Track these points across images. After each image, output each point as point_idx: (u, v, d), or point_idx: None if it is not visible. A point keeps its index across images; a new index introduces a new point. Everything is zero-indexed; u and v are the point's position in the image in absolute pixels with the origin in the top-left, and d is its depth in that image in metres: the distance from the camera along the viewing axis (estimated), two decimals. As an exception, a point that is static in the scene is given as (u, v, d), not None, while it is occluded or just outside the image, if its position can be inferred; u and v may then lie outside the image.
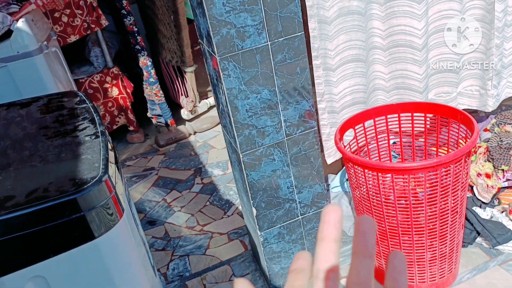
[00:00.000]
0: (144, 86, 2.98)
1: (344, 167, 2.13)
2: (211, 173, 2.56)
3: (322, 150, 1.92)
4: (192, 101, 3.18)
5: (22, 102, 0.99)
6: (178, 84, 3.20)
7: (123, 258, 0.70)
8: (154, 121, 3.13)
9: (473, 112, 2.28)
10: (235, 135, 1.39)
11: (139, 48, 2.81)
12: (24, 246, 0.59)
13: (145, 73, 2.89)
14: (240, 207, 2.21)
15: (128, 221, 0.73)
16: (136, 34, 2.77)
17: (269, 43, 1.29)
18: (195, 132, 3.11)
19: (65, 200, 0.61)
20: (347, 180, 2.03)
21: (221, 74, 1.29)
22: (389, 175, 1.28)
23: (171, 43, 3.11)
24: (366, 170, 1.33)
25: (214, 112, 3.30)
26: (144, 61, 2.84)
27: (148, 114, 3.14)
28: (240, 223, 2.10)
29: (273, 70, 1.33)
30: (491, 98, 1.96)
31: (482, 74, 1.94)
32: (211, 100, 3.38)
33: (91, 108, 0.91)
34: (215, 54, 1.28)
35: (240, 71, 1.30)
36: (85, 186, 0.62)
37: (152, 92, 2.96)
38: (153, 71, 2.89)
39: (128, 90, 2.92)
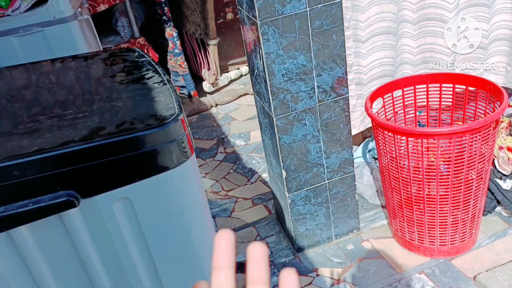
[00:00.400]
0: (169, 57, 3.04)
1: (366, 140, 2.20)
2: (234, 143, 2.64)
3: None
4: (214, 74, 3.24)
5: (85, 56, 1.06)
6: (200, 56, 3.25)
7: (192, 191, 0.78)
8: (176, 92, 3.20)
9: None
10: (270, 99, 1.45)
11: (166, 19, 2.86)
12: (114, 170, 0.67)
13: (170, 44, 2.94)
14: (263, 175, 2.29)
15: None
16: (163, 5, 2.82)
17: (308, 9, 1.34)
18: (216, 105, 3.18)
19: (150, 132, 0.68)
20: (369, 151, 2.09)
21: (261, 38, 1.35)
22: (419, 140, 1.35)
23: (195, 15, 3.15)
24: (396, 136, 1.39)
25: (234, 85, 3.35)
26: (170, 32, 2.89)
27: (171, 86, 3.21)
28: (264, 190, 2.18)
29: (310, 36, 1.38)
30: (516, 75, 1.99)
31: (509, 51, 1.97)
32: (232, 74, 3.43)
33: (151, 61, 0.98)
34: (256, 19, 1.34)
35: (279, 36, 1.36)
36: (166, 121, 0.70)
37: (177, 63, 3.02)
38: (178, 42, 2.95)
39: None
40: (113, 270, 0.76)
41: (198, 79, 3.32)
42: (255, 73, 1.54)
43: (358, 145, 2.20)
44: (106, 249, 0.72)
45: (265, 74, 1.42)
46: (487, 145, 1.37)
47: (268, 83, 1.42)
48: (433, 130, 1.32)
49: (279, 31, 1.35)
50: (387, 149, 1.47)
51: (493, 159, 1.85)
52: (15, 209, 0.63)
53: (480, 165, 1.40)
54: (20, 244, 0.68)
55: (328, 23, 1.38)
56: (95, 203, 0.67)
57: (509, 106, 2.05)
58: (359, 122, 2.01)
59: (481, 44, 1.97)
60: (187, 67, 3.07)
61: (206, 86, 3.24)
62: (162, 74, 0.89)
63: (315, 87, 1.47)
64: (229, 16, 3.71)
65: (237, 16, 3.73)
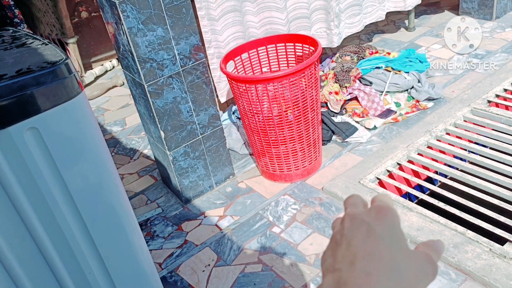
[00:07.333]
0: (27, 58, 3.00)
1: (230, 104, 2.54)
2: (111, 130, 2.77)
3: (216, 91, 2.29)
4: (78, 71, 3.28)
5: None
6: (61, 55, 3.26)
7: (87, 120, 0.99)
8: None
9: (324, 53, 2.86)
10: (139, 68, 1.68)
11: (18, 21, 2.82)
12: (21, 104, 0.86)
13: (26, 45, 2.92)
14: (144, 151, 2.48)
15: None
16: (13, 7, 2.79)
17: (158, -12, 1.59)
18: (86, 100, 3.23)
19: (44, 72, 0.88)
20: (233, 113, 2.43)
21: (121, 15, 1.56)
22: (262, 85, 1.70)
23: (48, 17, 3.15)
24: (246, 85, 1.73)
25: (101, 80, 3.43)
26: (25, 32, 2.87)
27: (34, 88, 3.16)
28: (147, 163, 2.38)
29: (163, 10, 1.64)
30: (335, 36, 2.52)
31: (326, 18, 2.48)
32: (96, 70, 3.50)
33: (28, 33, 1.15)
34: (114, -1, 1.54)
35: (137, 12, 1.59)
36: (57, 64, 0.90)
37: (37, 63, 3.00)
38: (35, 42, 2.93)
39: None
40: (34, 200, 0.93)
41: (62, 79, 3.32)
42: (121, 49, 1.74)
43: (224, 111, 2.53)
44: (25, 180, 0.90)
45: (130, 47, 1.63)
46: (313, 78, 1.79)
47: (134, 54, 1.64)
48: (271, 75, 1.69)
49: (136, 8, 1.58)
50: (240, 96, 1.81)
51: (326, 103, 2.34)
52: None
53: (311, 95, 1.82)
54: None
55: (177, -1, 1.65)
56: (8, 133, 0.85)
57: (332, 61, 2.58)
58: (226, 91, 2.34)
59: (304, 14, 2.44)
60: (48, 66, 3.06)
61: (72, 84, 3.26)
62: (41, 40, 1.08)
63: (176, 54, 1.73)
64: (84, 14, 3.75)
65: (92, 14, 3.79)
